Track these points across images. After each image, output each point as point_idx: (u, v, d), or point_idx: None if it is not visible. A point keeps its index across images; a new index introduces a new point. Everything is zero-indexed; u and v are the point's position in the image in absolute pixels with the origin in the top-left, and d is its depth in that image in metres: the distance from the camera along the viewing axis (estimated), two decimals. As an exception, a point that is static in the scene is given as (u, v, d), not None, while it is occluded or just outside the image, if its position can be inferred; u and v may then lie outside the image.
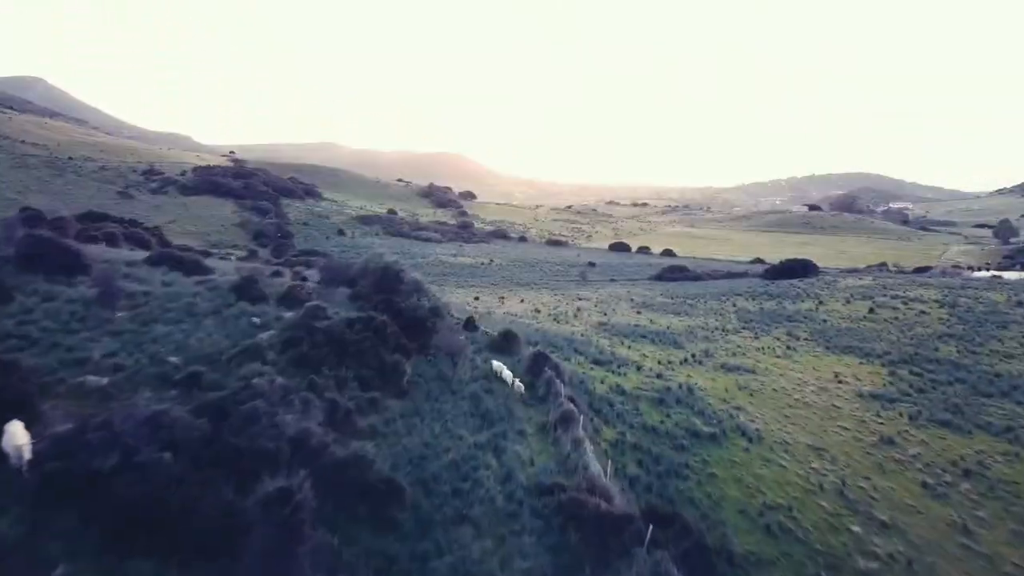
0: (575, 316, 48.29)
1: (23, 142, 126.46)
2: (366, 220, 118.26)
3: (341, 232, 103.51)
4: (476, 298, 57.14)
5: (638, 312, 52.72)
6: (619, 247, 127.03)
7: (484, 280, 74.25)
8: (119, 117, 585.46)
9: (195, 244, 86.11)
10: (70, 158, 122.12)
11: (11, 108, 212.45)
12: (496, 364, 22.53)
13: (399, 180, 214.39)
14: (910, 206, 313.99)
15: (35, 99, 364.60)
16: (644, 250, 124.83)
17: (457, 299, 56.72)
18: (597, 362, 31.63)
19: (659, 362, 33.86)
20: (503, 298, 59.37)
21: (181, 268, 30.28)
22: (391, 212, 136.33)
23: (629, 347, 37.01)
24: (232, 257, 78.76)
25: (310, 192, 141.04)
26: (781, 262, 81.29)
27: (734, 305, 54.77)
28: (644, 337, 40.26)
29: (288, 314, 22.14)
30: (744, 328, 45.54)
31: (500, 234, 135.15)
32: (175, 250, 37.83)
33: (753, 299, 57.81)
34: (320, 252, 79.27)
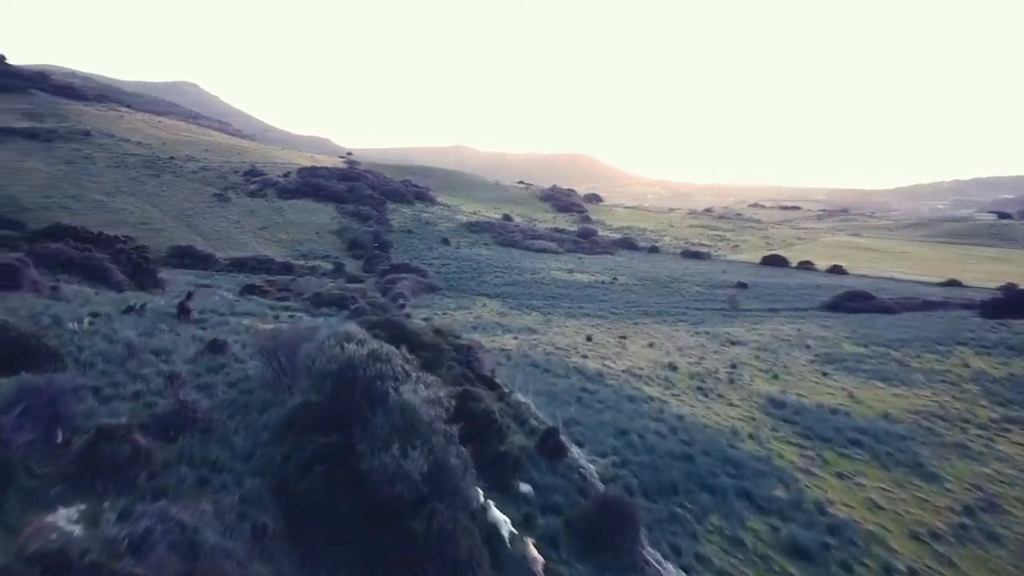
0: (729, 382, 34.56)
1: (127, 141, 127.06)
2: (476, 227, 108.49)
3: (446, 242, 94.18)
4: (588, 338, 44.59)
5: (823, 372, 38.05)
6: (774, 261, 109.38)
7: (603, 306, 61.45)
8: (265, 120, 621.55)
9: (281, 254, 79.50)
10: (171, 158, 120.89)
11: (154, 112, 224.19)
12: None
13: (520, 182, 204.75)
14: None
15: (186, 103, 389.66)
16: (806, 265, 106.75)
17: (564, 338, 44.48)
18: (794, 547, 16.93)
19: (916, 535, 18.84)
20: (624, 338, 46.39)
21: None
22: (505, 218, 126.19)
23: (840, 478, 22.49)
24: (318, 271, 71.17)
25: (421, 196, 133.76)
26: (1002, 290, 62.79)
27: (965, 364, 38.78)
28: (855, 443, 25.59)
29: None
30: (1011, 422, 29.83)
31: (627, 243, 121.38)
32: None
33: (988, 353, 41.40)
34: (414, 267, 69.83)
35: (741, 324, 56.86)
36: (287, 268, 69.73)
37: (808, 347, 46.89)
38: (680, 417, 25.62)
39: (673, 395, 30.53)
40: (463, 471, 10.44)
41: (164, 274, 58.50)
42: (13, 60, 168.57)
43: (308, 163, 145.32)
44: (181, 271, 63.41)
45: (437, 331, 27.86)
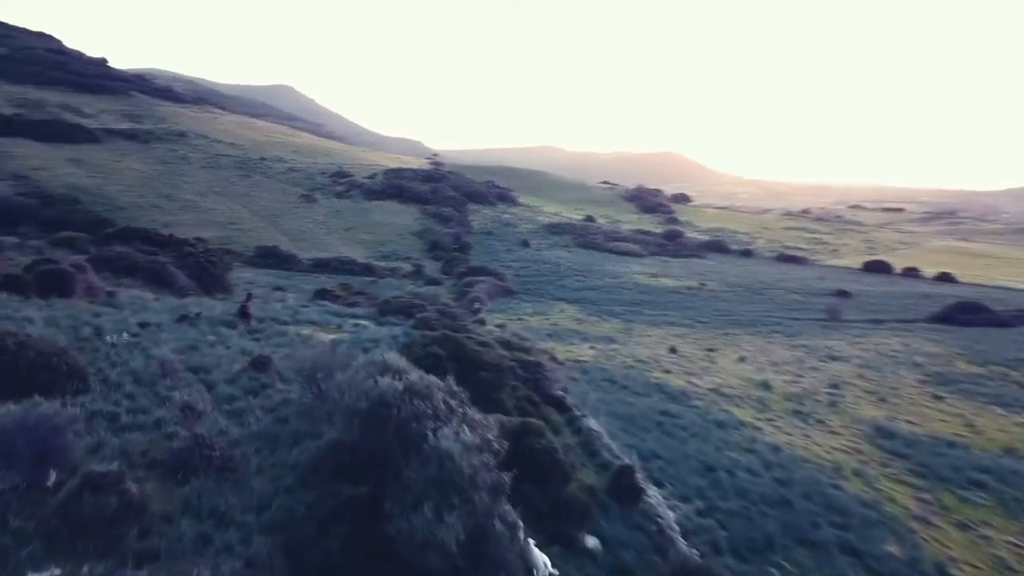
0: (830, 405, 31.42)
1: (220, 142, 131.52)
2: (556, 229, 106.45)
3: (525, 243, 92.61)
4: (672, 350, 41.95)
5: (935, 395, 34.27)
6: (877, 267, 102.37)
7: (690, 314, 58.40)
8: (358, 123, 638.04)
9: (363, 256, 79.98)
10: (262, 158, 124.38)
11: (251, 114, 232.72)
12: None
13: (604, 182, 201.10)
14: None
15: (283, 106, 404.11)
16: (911, 272, 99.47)
17: (646, 350, 42.04)
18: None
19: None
20: (712, 351, 43.50)
21: None
22: (588, 219, 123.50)
23: (962, 528, 18.86)
24: (398, 272, 71.02)
25: (503, 197, 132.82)
26: None
27: (1106, 391, 34.34)
28: (977, 485, 22.16)
29: None
30: None
31: (717, 246, 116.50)
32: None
33: None
34: (491, 270, 68.60)
35: (842, 337, 52.79)
36: (368, 269, 69.85)
37: (917, 365, 42.83)
38: (775, 448, 22.96)
39: (767, 420, 27.79)
40: (510, 538, 8.68)
41: (247, 274, 59.60)
42: (122, 64, 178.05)
43: (394, 164, 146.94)
44: (264, 271, 64.43)
45: (505, 343, 26.21)
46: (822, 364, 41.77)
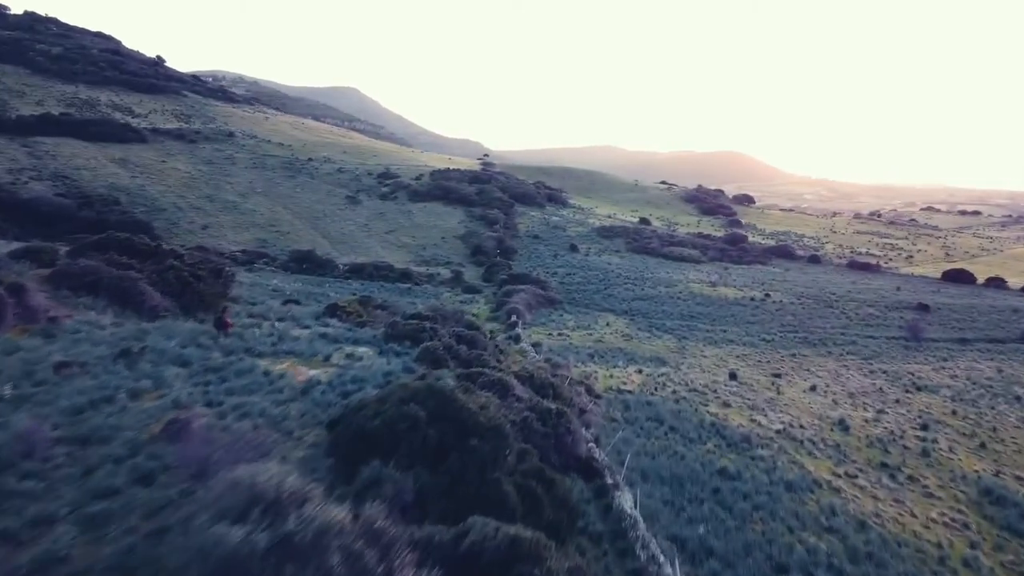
0: (922, 455, 26.35)
1: (268, 142, 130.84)
2: (608, 232, 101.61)
3: (573, 248, 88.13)
4: (732, 376, 37.17)
5: (1051, 444, 28.95)
6: (957, 276, 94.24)
7: (752, 330, 53.23)
8: (418, 124, 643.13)
9: (403, 260, 77.02)
10: (309, 159, 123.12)
11: (313, 115, 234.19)
12: None
13: (661, 182, 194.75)
14: None
15: (345, 107, 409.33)
16: (996, 282, 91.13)
17: (702, 374, 37.39)
18: None
19: None
20: (778, 376, 38.56)
21: None
22: (643, 222, 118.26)
23: None
24: (436, 279, 67.67)
25: (554, 198, 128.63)
26: None
27: None
28: None
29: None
30: None
31: (783, 251, 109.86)
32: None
33: None
34: (534, 278, 64.48)
35: (926, 359, 47.09)
36: (405, 276, 66.68)
37: (1019, 399, 37.20)
38: (862, 524, 18.34)
39: (847, 477, 23.01)
40: None
41: (275, 280, 57.01)
42: (192, 67, 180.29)
43: (443, 165, 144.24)
44: (296, 277, 61.85)
45: (528, 378, 22.17)
46: (906, 396, 36.55)
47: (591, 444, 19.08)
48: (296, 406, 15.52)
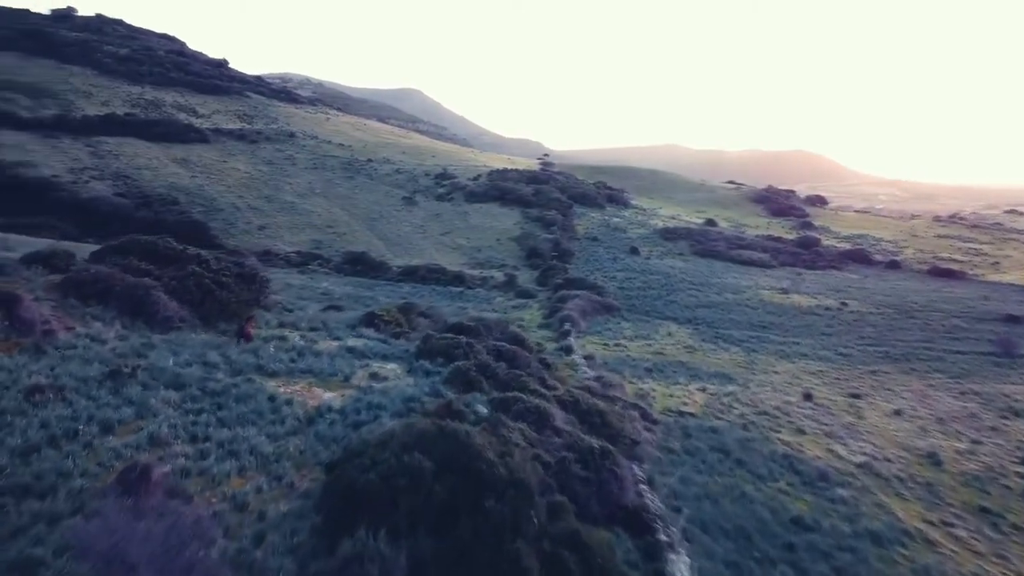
0: (1032, 500, 22.96)
1: (329, 142, 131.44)
2: (671, 234, 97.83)
3: (634, 251, 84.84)
4: (807, 396, 33.89)
5: None
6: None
7: (828, 342, 49.41)
8: (480, 124, 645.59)
9: (457, 262, 75.46)
10: (368, 160, 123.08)
11: (377, 116, 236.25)
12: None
13: (729, 182, 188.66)
14: None
15: (409, 109, 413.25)
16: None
17: (772, 393, 34.20)
18: None
19: None
20: (857, 397, 35.07)
21: None
22: (708, 223, 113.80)
23: None
24: (489, 282, 65.75)
25: (615, 198, 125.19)
26: None
27: None
28: None
29: None
30: None
31: (859, 256, 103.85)
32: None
33: None
34: (591, 282, 61.80)
35: (1021, 379, 42.62)
36: (458, 279, 65.02)
37: None
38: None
39: (943, 526, 19.85)
40: None
41: (326, 283, 55.99)
42: (261, 69, 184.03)
43: (501, 165, 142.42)
44: (347, 279, 60.99)
45: (572, 404, 19.78)
46: (1003, 422, 32.68)
47: (642, 486, 16.59)
48: (296, 441, 13.56)
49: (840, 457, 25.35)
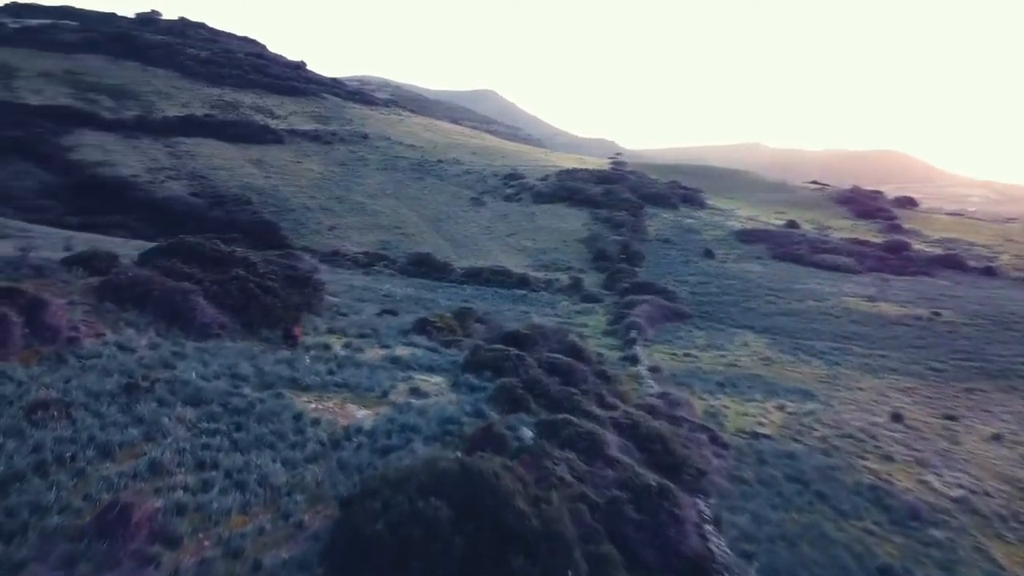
0: None
1: (400, 143, 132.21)
2: (749, 237, 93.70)
3: (708, 254, 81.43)
4: (896, 417, 31.00)
5: None
6: None
7: (919, 356, 45.74)
8: (556, 125, 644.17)
9: (522, 264, 74.22)
10: (439, 161, 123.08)
11: (450, 118, 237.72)
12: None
13: (812, 182, 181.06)
14: None
15: (484, 110, 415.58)
16: None
17: (857, 413, 31.42)
18: None
19: None
20: (953, 419, 31.91)
21: None
22: (789, 225, 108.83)
23: None
24: (553, 285, 64.12)
25: (689, 199, 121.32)
26: None
27: None
28: None
29: None
30: None
31: (951, 262, 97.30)
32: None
33: None
34: (660, 287, 59.39)
35: None
36: (522, 281, 63.66)
37: None
38: None
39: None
40: None
41: (388, 286, 55.44)
42: (342, 72, 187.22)
43: (571, 165, 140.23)
44: (411, 281, 60.50)
45: (630, 428, 18.01)
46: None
47: (708, 527, 14.69)
48: (314, 470, 12.31)
49: (933, 490, 22.70)
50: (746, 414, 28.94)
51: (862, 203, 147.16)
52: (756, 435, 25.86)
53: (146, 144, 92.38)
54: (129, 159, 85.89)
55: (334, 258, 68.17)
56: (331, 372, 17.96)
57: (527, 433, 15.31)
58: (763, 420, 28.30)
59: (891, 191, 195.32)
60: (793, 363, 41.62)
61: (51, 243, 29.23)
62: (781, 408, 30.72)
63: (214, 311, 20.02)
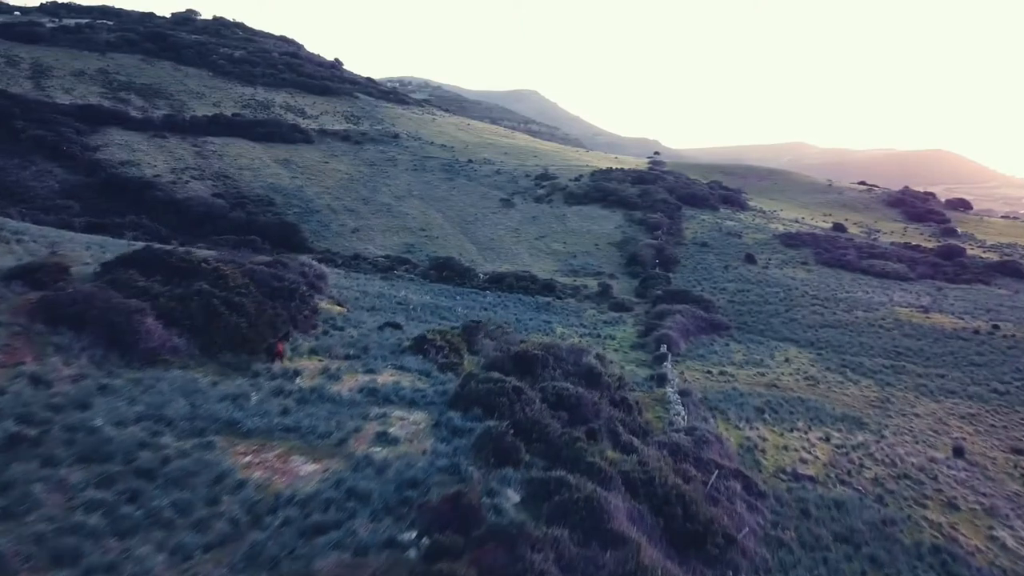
0: None
1: (431, 143, 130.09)
2: (793, 241, 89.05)
3: (750, 259, 77.22)
4: (958, 451, 27.25)
5: None
6: None
7: (979, 375, 41.58)
8: (598, 125, 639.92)
9: (550, 268, 71.22)
10: (469, 161, 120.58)
11: (490, 118, 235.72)
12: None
13: (859, 183, 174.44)
14: None
15: (524, 110, 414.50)
16: None
17: (914, 446, 27.81)
18: None
19: None
20: (1020, 453, 28.06)
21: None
22: (836, 228, 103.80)
23: None
24: (581, 292, 60.94)
25: (730, 200, 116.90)
26: None
27: None
28: None
29: None
30: None
31: (1009, 268, 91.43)
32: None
33: None
34: (696, 295, 55.68)
35: None
36: (548, 287, 60.69)
37: None
38: None
39: None
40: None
41: (403, 293, 52.83)
42: (385, 73, 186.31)
43: (608, 164, 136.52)
44: (431, 286, 57.90)
45: (644, 481, 14.95)
46: None
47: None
48: (209, 566, 9.39)
49: (1006, 549, 19.27)
50: (787, 448, 25.55)
51: (913, 205, 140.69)
52: (798, 476, 22.54)
53: (173, 144, 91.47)
54: (154, 159, 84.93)
55: (355, 262, 65.96)
56: (284, 411, 15.08)
57: (510, 500, 12.40)
58: (806, 456, 24.91)
59: (940, 192, 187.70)
60: (841, 383, 37.90)
61: (31, 249, 26.92)
62: (827, 439, 27.27)
63: (165, 333, 17.40)
